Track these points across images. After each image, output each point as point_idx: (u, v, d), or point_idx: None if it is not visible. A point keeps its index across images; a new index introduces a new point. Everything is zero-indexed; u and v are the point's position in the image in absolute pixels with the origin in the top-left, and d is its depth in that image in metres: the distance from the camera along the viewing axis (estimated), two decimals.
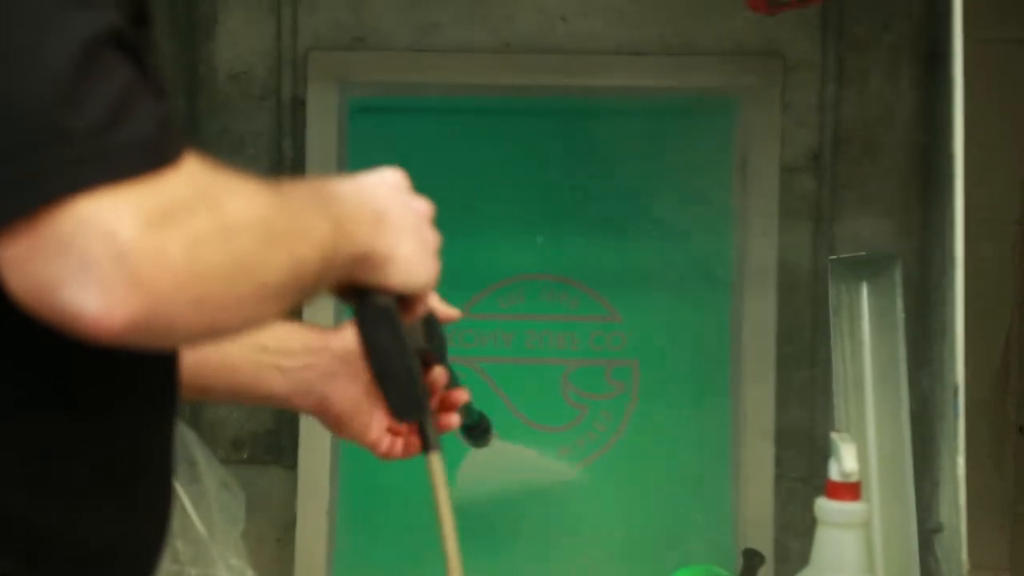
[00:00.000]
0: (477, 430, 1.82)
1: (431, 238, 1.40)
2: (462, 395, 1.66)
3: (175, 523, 2.16)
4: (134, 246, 1.05)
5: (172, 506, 1.33)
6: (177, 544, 2.14)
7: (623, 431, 3.04)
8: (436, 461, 1.42)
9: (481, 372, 3.04)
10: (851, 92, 3.02)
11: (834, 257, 2.96)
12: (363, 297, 1.32)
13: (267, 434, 3.11)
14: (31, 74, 1.06)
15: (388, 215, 1.32)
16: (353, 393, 1.63)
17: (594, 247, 3.05)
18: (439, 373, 1.61)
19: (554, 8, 3.04)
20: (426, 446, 1.41)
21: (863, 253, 2.96)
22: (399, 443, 1.66)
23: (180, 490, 2.16)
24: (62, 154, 1.05)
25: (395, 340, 1.35)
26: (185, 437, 2.18)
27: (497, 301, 3.06)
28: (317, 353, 1.63)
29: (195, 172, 1.10)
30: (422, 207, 1.41)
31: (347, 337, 1.60)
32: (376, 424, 1.65)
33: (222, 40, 3.07)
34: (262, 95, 3.06)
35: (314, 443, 3.03)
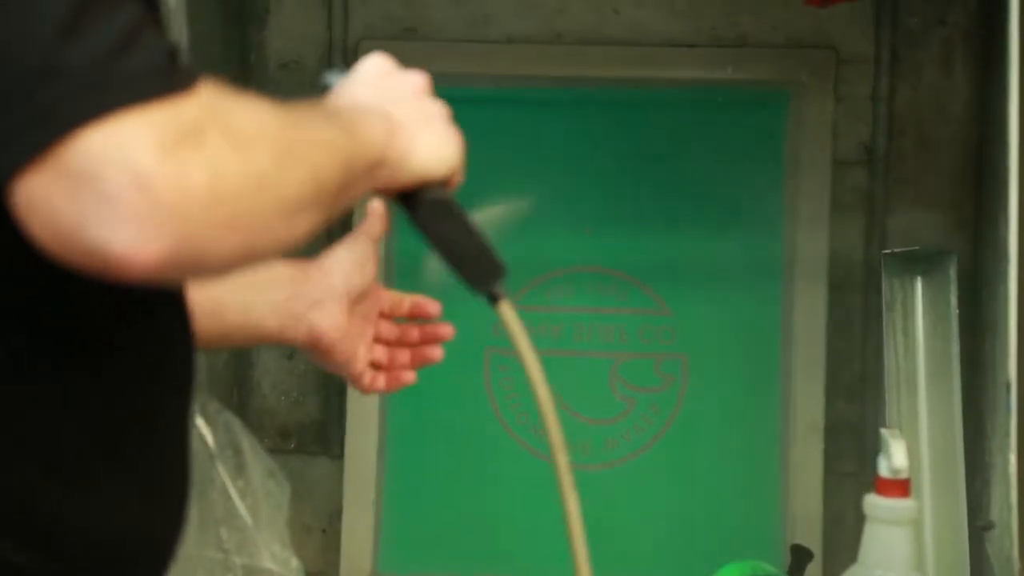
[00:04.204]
0: None
1: (437, 111, 1.37)
2: (447, 330, 1.69)
3: (220, 511, 2.16)
4: (154, 172, 1.00)
5: (189, 491, 1.30)
6: (222, 532, 2.14)
7: (671, 425, 3.03)
8: (507, 309, 1.40)
9: None
10: (905, 85, 3.00)
11: (888, 251, 2.94)
12: (413, 199, 1.32)
13: (314, 424, 3.12)
14: (30, 13, 1.02)
15: (391, 113, 1.30)
16: (340, 320, 1.65)
17: (643, 239, 3.04)
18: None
19: None
20: (493, 298, 1.40)
21: (917, 248, 2.94)
22: (381, 378, 1.67)
23: (225, 478, 2.16)
24: (68, 87, 1.01)
25: (457, 224, 1.35)
26: (230, 424, 2.18)
27: (545, 294, 3.05)
28: (301, 283, 1.65)
29: (205, 94, 1.07)
30: (416, 81, 1.39)
31: (324, 266, 1.63)
32: (362, 354, 1.67)
33: (273, 29, 3.08)
34: (313, 84, 3.05)
35: (361, 433, 3.03)
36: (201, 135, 1.04)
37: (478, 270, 1.36)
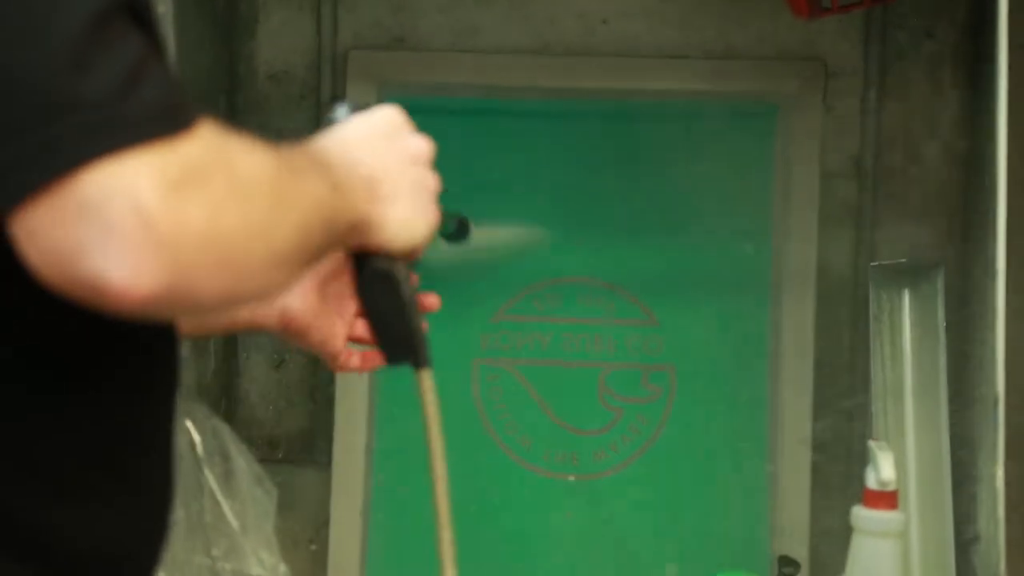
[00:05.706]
0: (455, 235, 1.79)
1: (429, 183, 1.37)
2: (433, 301, 1.66)
3: (208, 517, 2.16)
4: (157, 207, 1.02)
5: (173, 496, 1.30)
6: (210, 538, 2.14)
7: (659, 435, 3.03)
8: (427, 378, 1.39)
9: (517, 374, 3.04)
10: (893, 98, 3.00)
11: (876, 263, 2.94)
12: (362, 262, 1.32)
13: (302, 434, 3.11)
14: (41, 44, 1.03)
15: (379, 179, 1.30)
16: (311, 300, 1.64)
17: (633, 251, 3.04)
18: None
19: (595, 11, 3.03)
20: (416, 362, 1.38)
21: (904, 260, 2.94)
22: (356, 356, 1.66)
23: (213, 484, 2.16)
24: (78, 121, 1.03)
25: (395, 303, 1.35)
26: (219, 431, 2.18)
27: (534, 304, 3.05)
28: None
29: (209, 136, 1.09)
30: (419, 148, 1.38)
31: None
32: (339, 332, 1.65)
33: (262, 39, 3.08)
34: (301, 94, 3.06)
35: (349, 443, 3.03)
36: (205, 177, 1.06)
37: (399, 350, 1.36)
